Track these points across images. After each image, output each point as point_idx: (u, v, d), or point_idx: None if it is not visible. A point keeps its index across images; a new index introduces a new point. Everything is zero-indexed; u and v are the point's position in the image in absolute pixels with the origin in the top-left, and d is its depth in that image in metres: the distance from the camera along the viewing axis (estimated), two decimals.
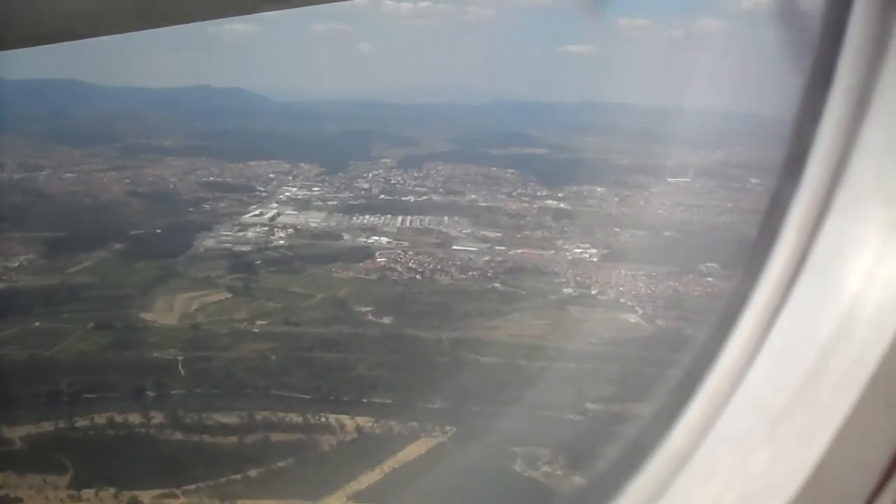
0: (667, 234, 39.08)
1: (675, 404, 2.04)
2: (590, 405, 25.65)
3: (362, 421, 25.29)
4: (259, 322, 29.46)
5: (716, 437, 1.97)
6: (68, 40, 2.80)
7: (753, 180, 36.30)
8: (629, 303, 32.38)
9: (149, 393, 25.93)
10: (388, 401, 26.00)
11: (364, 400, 26.11)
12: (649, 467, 2.01)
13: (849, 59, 1.92)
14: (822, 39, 2.01)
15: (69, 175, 39.89)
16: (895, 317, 1.84)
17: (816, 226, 1.96)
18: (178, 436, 24.29)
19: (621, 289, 33.51)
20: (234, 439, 24.39)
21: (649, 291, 33.33)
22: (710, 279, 32.83)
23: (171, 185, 40.52)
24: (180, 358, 27.17)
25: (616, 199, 42.25)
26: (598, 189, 42.60)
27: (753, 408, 1.95)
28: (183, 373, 26.57)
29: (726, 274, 33.25)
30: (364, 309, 30.66)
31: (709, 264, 33.43)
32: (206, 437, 24.24)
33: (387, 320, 30.05)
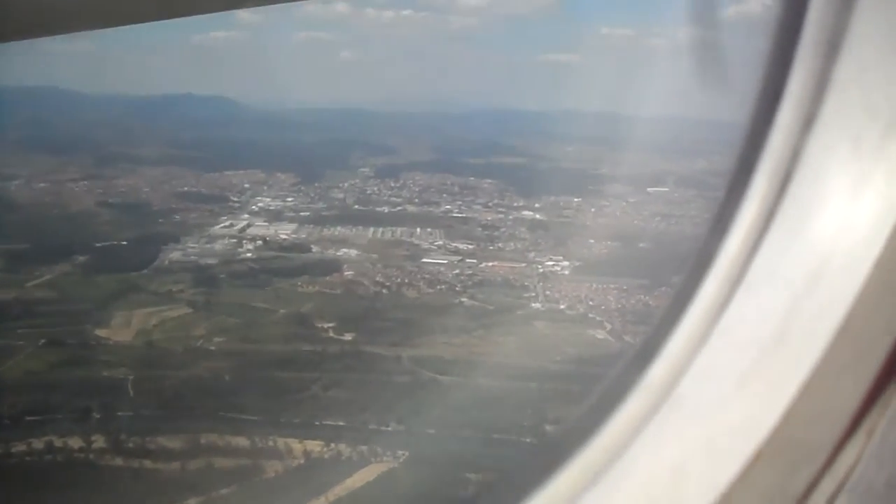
0: (641, 245, 38.28)
1: (651, 348, 2.06)
2: (549, 427, 24.58)
3: (311, 445, 24.01)
4: (217, 339, 28.25)
5: (690, 380, 1.98)
6: (60, 33, 2.75)
7: None
8: (598, 318, 31.44)
9: (94, 415, 24.60)
10: (341, 423, 24.75)
11: (316, 422, 24.76)
12: (627, 405, 2.03)
13: (817, 9, 1.91)
14: None
15: (42, 185, 38.90)
16: (864, 266, 1.85)
17: (786, 177, 1.96)
18: (119, 461, 22.93)
19: (591, 303, 32.58)
20: (176, 465, 22.99)
21: (619, 306, 32.43)
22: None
23: (144, 195, 39.52)
24: (131, 377, 25.83)
25: (593, 210, 41.57)
26: (576, 199, 41.83)
27: (726, 353, 1.96)
28: (132, 393, 25.23)
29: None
30: (326, 325, 29.53)
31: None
32: (148, 463, 22.87)
33: (348, 337, 28.92)
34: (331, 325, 29.47)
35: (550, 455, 2.10)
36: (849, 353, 1.84)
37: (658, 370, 2.03)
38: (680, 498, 1.90)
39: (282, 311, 30.34)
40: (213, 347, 27.77)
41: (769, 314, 1.91)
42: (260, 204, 40.27)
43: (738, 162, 2.06)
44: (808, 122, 1.93)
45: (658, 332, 2.08)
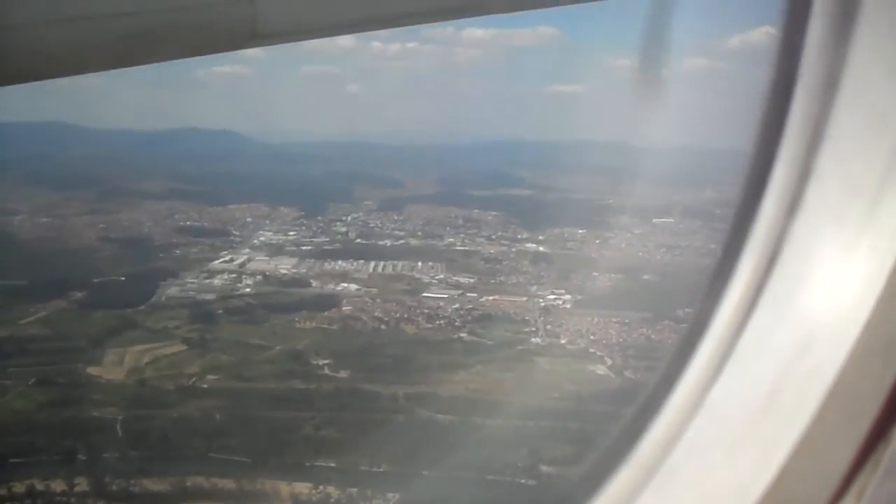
0: (645, 277, 37.47)
1: (642, 421, 2.07)
2: (544, 468, 23.77)
3: (300, 487, 23.13)
4: (210, 377, 27.54)
5: (681, 450, 1.99)
6: (63, 76, 2.80)
7: None
8: (598, 353, 30.63)
9: (80, 457, 23.79)
10: (332, 464, 23.93)
11: (307, 463, 23.90)
12: (618, 478, 2.01)
13: (801, 99, 1.96)
14: (780, 53, 2.05)
15: (44, 220, 38.47)
16: (851, 333, 1.83)
17: (776, 248, 1.99)
18: None
19: (592, 337, 31.78)
20: None
21: (621, 340, 31.64)
22: (685, 326, 31.11)
23: (146, 230, 39.07)
24: (120, 417, 25.06)
25: (597, 242, 40.78)
26: (580, 231, 41.24)
27: (717, 421, 1.97)
28: (120, 434, 24.45)
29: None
30: (322, 362, 28.82)
31: (686, 310, 31.68)
32: None
33: (344, 374, 28.21)
34: (327, 361, 28.79)
35: None
36: (839, 416, 1.84)
37: (649, 442, 2.01)
38: None
39: (277, 347, 29.64)
40: (205, 386, 27.05)
41: (759, 383, 1.92)
42: (262, 238, 39.75)
43: (727, 242, 2.08)
44: (792, 206, 1.96)
45: (649, 405, 2.07)
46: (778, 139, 1.99)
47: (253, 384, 27.34)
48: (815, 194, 1.95)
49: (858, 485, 1.86)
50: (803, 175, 1.95)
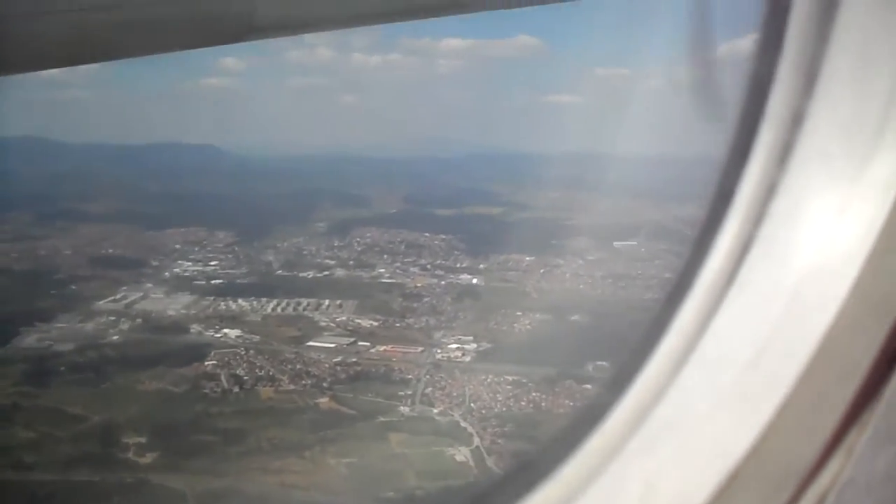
0: (573, 318, 30.49)
1: (630, 370, 1.91)
2: None
3: None
4: None
5: (668, 404, 1.83)
6: (62, 66, 2.99)
7: None
8: (470, 428, 23.95)
9: None
10: None
11: None
12: (602, 429, 1.86)
13: (796, 28, 1.78)
14: (769, 10, 1.87)
15: None
16: (843, 287, 1.72)
17: (764, 204, 1.83)
18: None
19: (472, 405, 25.09)
20: None
21: (504, 409, 24.94)
22: (588, 387, 24.29)
23: (59, 260, 33.41)
24: None
25: (541, 271, 34.04)
26: (527, 258, 34.61)
27: (704, 376, 1.82)
28: None
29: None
30: (133, 441, 22.41)
31: (598, 363, 24.94)
32: None
33: (148, 459, 21.71)
34: (139, 440, 22.40)
35: (526, 475, 1.87)
36: (828, 374, 1.71)
37: (636, 391, 1.85)
38: None
39: (95, 418, 23.26)
40: None
41: (748, 335, 1.76)
42: (176, 269, 33.87)
43: (717, 189, 1.91)
44: (783, 155, 1.79)
45: (637, 354, 1.90)
46: (768, 85, 1.76)
47: (27, 475, 20.96)
48: (806, 144, 1.75)
49: (847, 444, 1.71)
50: (796, 120, 1.75)
